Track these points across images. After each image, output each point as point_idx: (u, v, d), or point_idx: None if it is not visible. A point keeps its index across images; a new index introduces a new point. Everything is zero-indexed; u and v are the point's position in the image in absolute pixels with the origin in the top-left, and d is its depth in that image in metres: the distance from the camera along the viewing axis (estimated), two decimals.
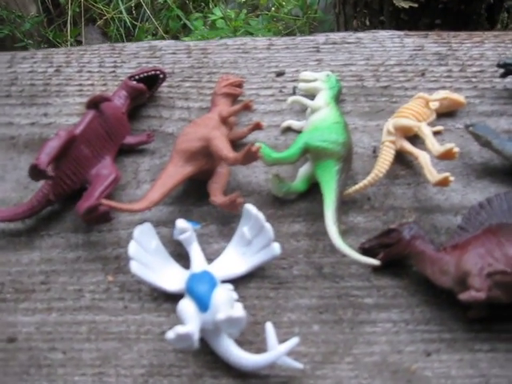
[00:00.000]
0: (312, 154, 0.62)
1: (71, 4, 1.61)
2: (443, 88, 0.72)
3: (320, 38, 0.77)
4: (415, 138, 0.65)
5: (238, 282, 0.59)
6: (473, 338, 0.57)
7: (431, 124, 0.68)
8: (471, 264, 0.55)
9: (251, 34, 1.37)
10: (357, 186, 0.63)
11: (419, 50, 0.76)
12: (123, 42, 1.60)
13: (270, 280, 0.60)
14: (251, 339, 0.57)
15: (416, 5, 1.30)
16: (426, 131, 0.62)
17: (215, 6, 1.56)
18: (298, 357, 0.55)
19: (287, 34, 1.55)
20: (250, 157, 0.60)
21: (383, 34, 0.78)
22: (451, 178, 0.60)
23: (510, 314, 0.57)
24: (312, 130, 0.64)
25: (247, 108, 0.65)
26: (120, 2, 1.58)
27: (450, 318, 0.57)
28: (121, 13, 1.58)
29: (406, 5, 1.30)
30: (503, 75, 0.71)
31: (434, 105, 0.67)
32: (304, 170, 0.64)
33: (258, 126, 0.66)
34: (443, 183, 0.61)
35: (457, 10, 1.31)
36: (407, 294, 0.59)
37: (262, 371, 0.54)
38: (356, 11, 1.41)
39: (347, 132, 0.63)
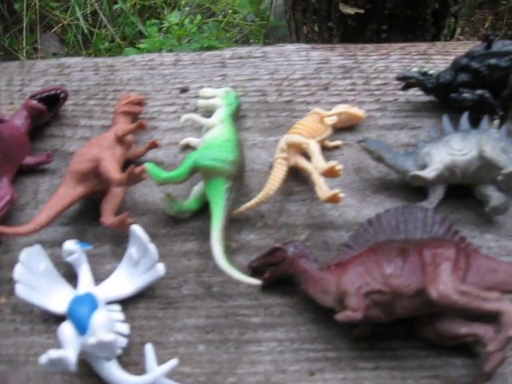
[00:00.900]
0: (202, 172, 0.62)
1: (27, 11, 1.60)
2: (345, 101, 0.71)
3: (227, 52, 0.77)
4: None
5: (127, 303, 0.59)
6: (357, 356, 0.57)
7: (330, 138, 0.68)
8: (349, 283, 0.55)
9: (196, 42, 1.37)
10: (248, 204, 0.63)
11: (325, 63, 0.76)
12: (81, 48, 1.60)
13: (160, 300, 0.60)
14: (137, 360, 0.57)
15: (362, 11, 1.30)
16: (313, 148, 0.61)
17: (171, 12, 1.55)
18: (181, 377, 0.55)
19: (238, 41, 1.55)
20: (134, 178, 0.60)
21: (290, 47, 0.77)
22: (341, 195, 0.60)
23: (396, 331, 0.57)
24: (203, 148, 0.64)
25: (141, 127, 0.65)
26: (77, 9, 1.57)
27: (337, 336, 0.58)
28: (78, 20, 1.57)
29: (351, 11, 1.30)
30: (404, 88, 0.70)
31: (332, 119, 0.67)
32: (197, 189, 0.64)
33: (153, 145, 0.66)
34: (333, 200, 0.61)
35: (403, 16, 1.31)
36: (294, 312, 0.59)
37: None
38: (305, 17, 1.40)
39: (239, 150, 0.63)
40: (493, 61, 0.68)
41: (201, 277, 0.61)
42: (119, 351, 0.57)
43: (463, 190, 0.65)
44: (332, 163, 0.59)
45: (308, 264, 0.58)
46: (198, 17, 1.47)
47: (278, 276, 0.59)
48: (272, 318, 0.59)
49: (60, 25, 1.67)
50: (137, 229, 0.59)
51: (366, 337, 0.57)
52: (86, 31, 1.56)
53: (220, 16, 1.55)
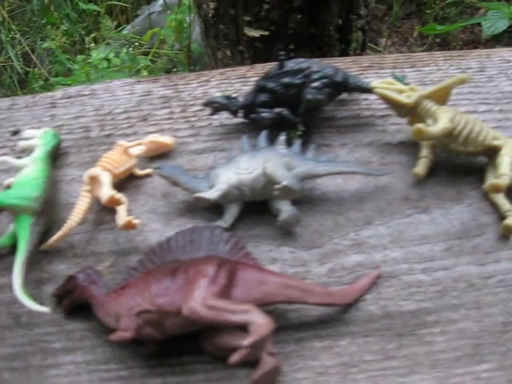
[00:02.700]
0: (8, 211, 0.66)
1: None
2: (162, 130, 0.75)
3: (58, 93, 0.81)
4: None
5: None
6: (147, 373, 0.60)
7: (142, 167, 0.72)
8: (123, 305, 0.59)
9: (103, 77, 1.42)
10: (54, 238, 0.67)
11: (147, 95, 0.80)
12: (17, 88, 1.67)
13: None
14: None
15: (267, 33, 1.33)
16: (103, 179, 0.66)
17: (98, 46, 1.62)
18: None
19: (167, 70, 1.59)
20: None
21: (116, 83, 0.82)
22: (136, 221, 0.65)
23: (186, 347, 0.60)
24: (13, 187, 0.68)
25: None
26: (9, 49, 1.64)
27: (129, 355, 0.61)
28: (12, 60, 1.64)
29: (256, 34, 1.34)
30: (212, 113, 0.74)
31: (139, 149, 0.71)
32: (12, 226, 0.69)
33: None
34: (129, 226, 0.65)
35: (307, 34, 1.34)
36: (93, 335, 0.62)
37: None
38: (218, 43, 1.45)
39: (46, 187, 0.67)
40: (286, 79, 0.71)
41: (11, 308, 0.65)
42: None
43: (263, 206, 0.68)
44: (111, 193, 0.63)
45: (96, 289, 0.62)
46: (124, 50, 1.54)
47: (75, 303, 0.63)
48: (72, 343, 0.62)
49: None
50: None
51: (158, 354, 0.61)
52: (19, 71, 1.62)
53: (129, 50, 1.60)
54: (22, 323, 0.64)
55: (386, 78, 0.76)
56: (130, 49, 1.57)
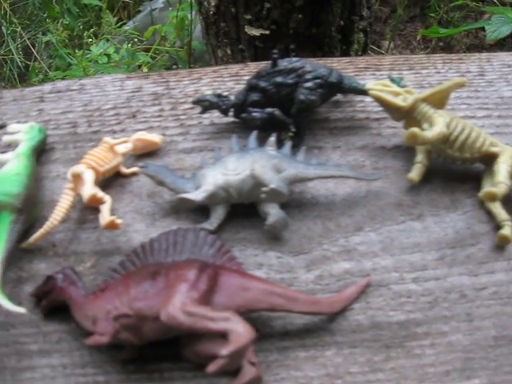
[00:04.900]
0: None
1: None
2: (151, 128, 0.73)
3: (47, 87, 0.80)
4: None
5: None
6: (124, 379, 0.58)
7: (128, 165, 0.70)
8: (100, 308, 0.57)
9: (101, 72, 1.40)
10: (35, 236, 0.65)
11: (137, 91, 0.78)
12: (16, 82, 1.65)
13: None
14: None
15: (267, 32, 1.31)
16: (85, 177, 0.64)
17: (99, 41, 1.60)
18: None
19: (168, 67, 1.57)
20: None
21: (106, 78, 0.80)
22: (118, 221, 0.63)
23: (165, 353, 0.58)
24: None
25: None
26: (10, 43, 1.62)
27: (107, 360, 0.59)
28: (12, 53, 1.63)
29: (257, 32, 1.32)
30: (202, 112, 0.72)
31: (126, 147, 0.69)
32: None
33: None
34: (112, 226, 0.63)
35: (309, 34, 1.32)
36: (71, 338, 0.60)
37: None
38: (219, 41, 1.43)
39: (28, 183, 0.65)
40: (279, 78, 0.69)
41: None
42: None
43: (251, 209, 0.66)
44: (93, 191, 0.62)
45: (75, 291, 0.60)
46: (125, 46, 1.52)
47: (53, 304, 0.61)
48: (49, 345, 0.60)
49: None
50: None
51: (136, 359, 0.59)
52: (20, 65, 1.61)
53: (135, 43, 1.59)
54: None
55: (383, 79, 0.74)
56: (130, 45, 1.55)
